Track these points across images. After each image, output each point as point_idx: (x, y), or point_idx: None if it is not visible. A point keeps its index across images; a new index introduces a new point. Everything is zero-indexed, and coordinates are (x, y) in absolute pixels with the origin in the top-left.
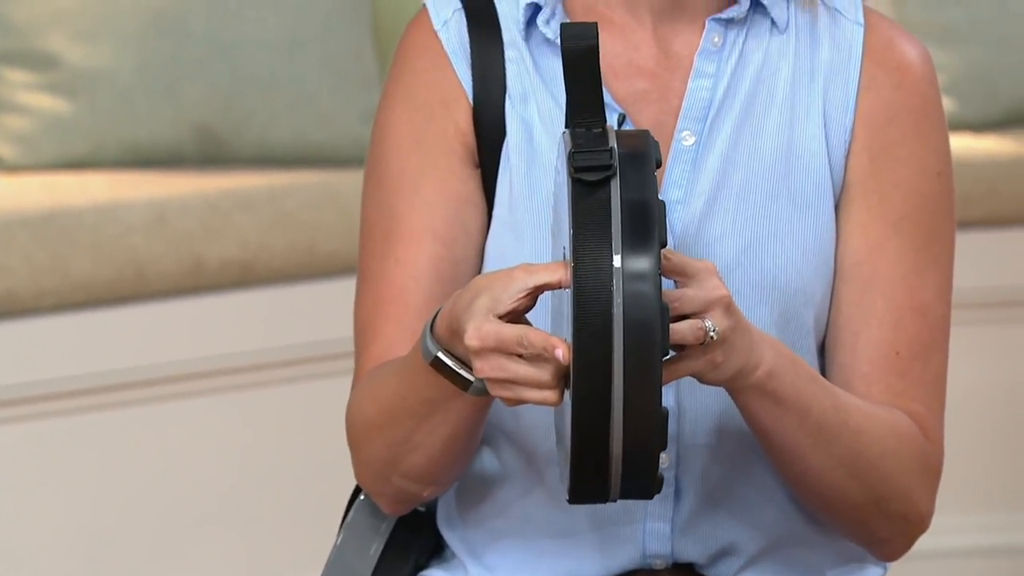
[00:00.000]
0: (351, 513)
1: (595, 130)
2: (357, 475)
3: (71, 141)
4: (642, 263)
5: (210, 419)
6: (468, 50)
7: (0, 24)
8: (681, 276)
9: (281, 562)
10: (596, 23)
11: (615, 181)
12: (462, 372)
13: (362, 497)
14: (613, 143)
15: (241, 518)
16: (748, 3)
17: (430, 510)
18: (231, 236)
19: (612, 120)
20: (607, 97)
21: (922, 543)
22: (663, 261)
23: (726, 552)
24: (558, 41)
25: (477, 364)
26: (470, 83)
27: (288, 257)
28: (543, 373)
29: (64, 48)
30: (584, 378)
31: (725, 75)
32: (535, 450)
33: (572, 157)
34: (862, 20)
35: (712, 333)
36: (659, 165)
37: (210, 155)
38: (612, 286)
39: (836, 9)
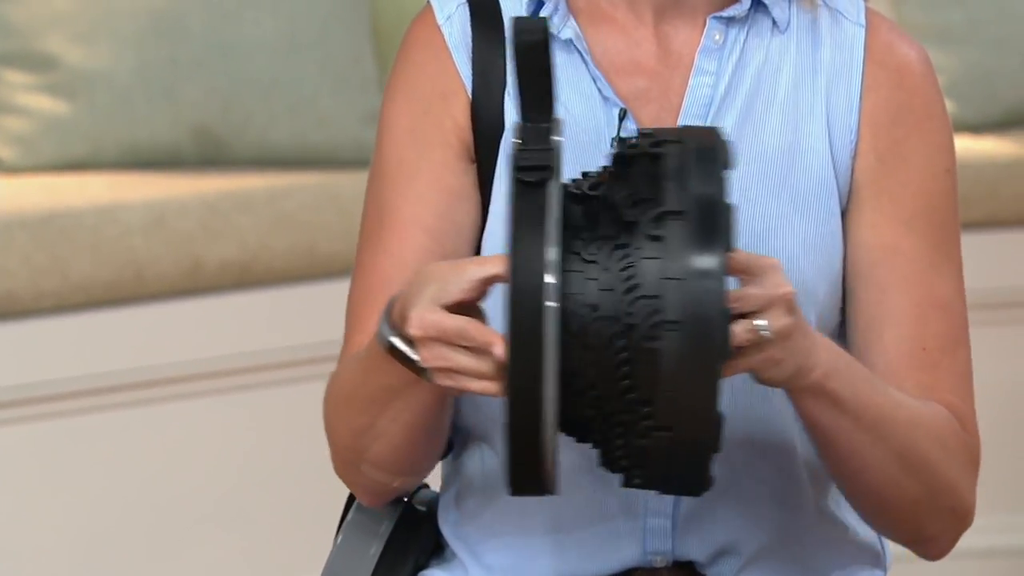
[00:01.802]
0: (350, 514)
1: (543, 125)
2: (334, 465)
3: (70, 142)
4: (708, 262)
5: (209, 420)
6: (470, 45)
7: None
8: (746, 274)
9: (281, 563)
10: (547, 18)
11: (554, 181)
12: (415, 358)
13: None
14: (557, 140)
15: (241, 519)
16: (749, 2)
17: (430, 509)
18: (230, 237)
19: (613, 115)
20: (609, 92)
21: None
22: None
23: (727, 550)
24: (561, 36)
25: (420, 353)
26: (470, 77)
27: (287, 258)
28: (484, 364)
29: (63, 49)
30: (517, 374)
31: (726, 73)
32: None
33: (514, 155)
34: (863, 21)
35: (765, 332)
36: (730, 167)
37: (209, 156)
38: (544, 286)
39: (837, 10)
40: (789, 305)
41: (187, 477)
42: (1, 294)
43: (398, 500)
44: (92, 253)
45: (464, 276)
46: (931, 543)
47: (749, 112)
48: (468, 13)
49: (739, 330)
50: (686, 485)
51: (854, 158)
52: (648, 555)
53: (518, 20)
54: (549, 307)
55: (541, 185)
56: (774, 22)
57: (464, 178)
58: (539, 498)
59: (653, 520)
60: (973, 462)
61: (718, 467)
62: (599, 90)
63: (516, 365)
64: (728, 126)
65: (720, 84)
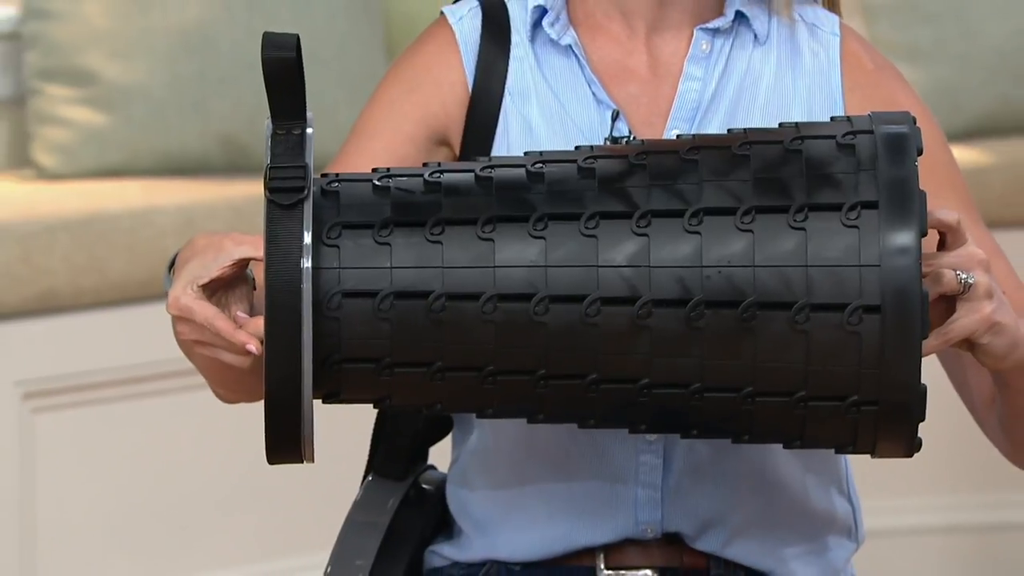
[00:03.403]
0: (360, 491)
1: (295, 132)
2: None
3: (108, 151)
4: (904, 239)
5: (235, 406)
6: (478, 45)
7: (43, 43)
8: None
9: (297, 537)
10: (297, 35)
11: (307, 203)
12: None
13: (371, 477)
14: (309, 159)
15: (262, 497)
16: (733, 14)
17: (438, 489)
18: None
19: (606, 117)
20: (603, 95)
21: (892, 521)
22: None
23: (712, 524)
24: (561, 42)
25: (177, 327)
26: (473, 74)
27: None
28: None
29: (102, 65)
30: (273, 352)
31: (712, 79)
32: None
33: (267, 174)
34: (838, 31)
35: (965, 276)
36: (920, 152)
37: (236, 164)
38: (300, 269)
39: (814, 24)
40: (986, 267)
41: (212, 460)
42: (44, 291)
43: (405, 479)
44: (128, 253)
45: (222, 256)
46: None
47: (733, 116)
48: (479, 15)
49: (945, 280)
50: (895, 453)
51: None
52: (640, 524)
53: (268, 35)
54: (304, 288)
55: (296, 207)
56: (756, 36)
57: (427, 157)
58: (538, 471)
59: (643, 491)
60: None
61: (703, 445)
62: (593, 93)
63: (272, 345)
64: (714, 128)
65: (707, 90)
